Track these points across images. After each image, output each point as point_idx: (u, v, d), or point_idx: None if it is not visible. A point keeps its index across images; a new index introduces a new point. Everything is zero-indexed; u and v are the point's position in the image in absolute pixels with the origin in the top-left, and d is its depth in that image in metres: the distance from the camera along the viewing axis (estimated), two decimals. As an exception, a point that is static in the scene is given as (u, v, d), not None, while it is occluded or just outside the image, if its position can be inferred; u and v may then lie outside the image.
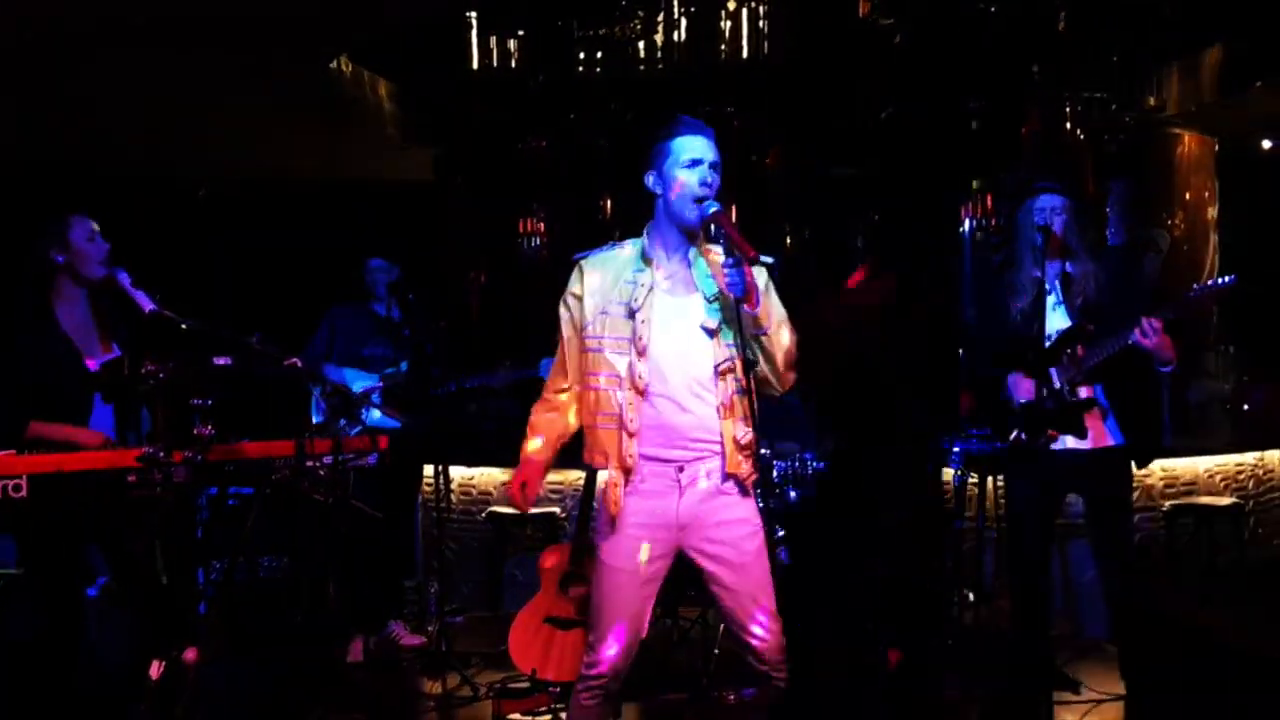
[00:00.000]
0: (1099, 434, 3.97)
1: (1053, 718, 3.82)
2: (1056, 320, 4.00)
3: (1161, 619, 3.29)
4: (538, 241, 7.99)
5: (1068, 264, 4.03)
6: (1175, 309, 3.73)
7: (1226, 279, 3.73)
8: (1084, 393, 3.94)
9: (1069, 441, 3.93)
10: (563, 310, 3.20)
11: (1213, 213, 7.83)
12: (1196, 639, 3.02)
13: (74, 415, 3.75)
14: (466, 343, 7.89)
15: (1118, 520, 4.05)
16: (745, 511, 3.12)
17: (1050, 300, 3.99)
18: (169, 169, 9.80)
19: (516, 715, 4.33)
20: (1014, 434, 4.02)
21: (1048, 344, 3.93)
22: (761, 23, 7.78)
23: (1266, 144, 9.02)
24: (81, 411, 3.77)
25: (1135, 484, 6.23)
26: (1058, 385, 3.93)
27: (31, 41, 6.45)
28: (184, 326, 4.01)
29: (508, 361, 5.12)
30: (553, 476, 6.49)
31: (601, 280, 3.12)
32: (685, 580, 5.13)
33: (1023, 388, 4.03)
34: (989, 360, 4.17)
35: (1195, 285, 3.77)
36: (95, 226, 3.98)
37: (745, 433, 3.08)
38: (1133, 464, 4.09)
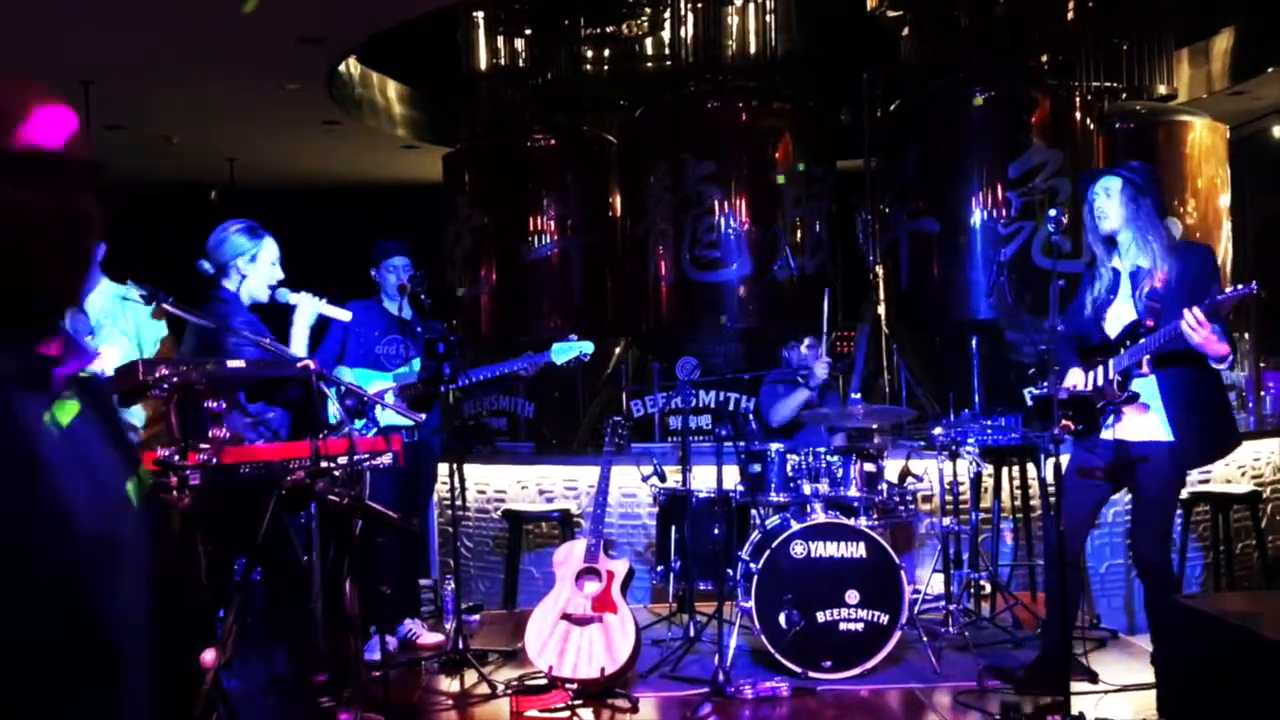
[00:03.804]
0: (1149, 429, 3.96)
1: (1069, 706, 3.82)
2: (1127, 312, 4.00)
3: (1188, 609, 3.29)
4: (547, 239, 7.99)
5: (1143, 256, 3.98)
6: (1206, 310, 3.71)
7: (1246, 287, 3.71)
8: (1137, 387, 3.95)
9: (1118, 431, 3.95)
10: None
11: (1225, 200, 7.80)
12: (1223, 627, 3.01)
13: None
14: (476, 340, 7.90)
15: (1148, 516, 4.03)
16: None
17: (1125, 292, 4.00)
18: (182, 171, 9.85)
19: (534, 712, 4.33)
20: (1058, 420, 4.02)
21: (1114, 336, 3.97)
22: (769, 17, 7.77)
23: (1279, 130, 8.97)
24: None
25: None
26: (1112, 376, 3.93)
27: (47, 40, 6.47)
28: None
29: (529, 352, 5.13)
30: (568, 472, 6.50)
31: None
32: (700, 575, 5.15)
33: (1073, 379, 4.06)
34: (1065, 346, 4.16)
35: (1227, 291, 3.75)
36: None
37: None
38: (1182, 463, 4.02)
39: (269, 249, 4.10)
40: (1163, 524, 4.08)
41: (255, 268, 4.08)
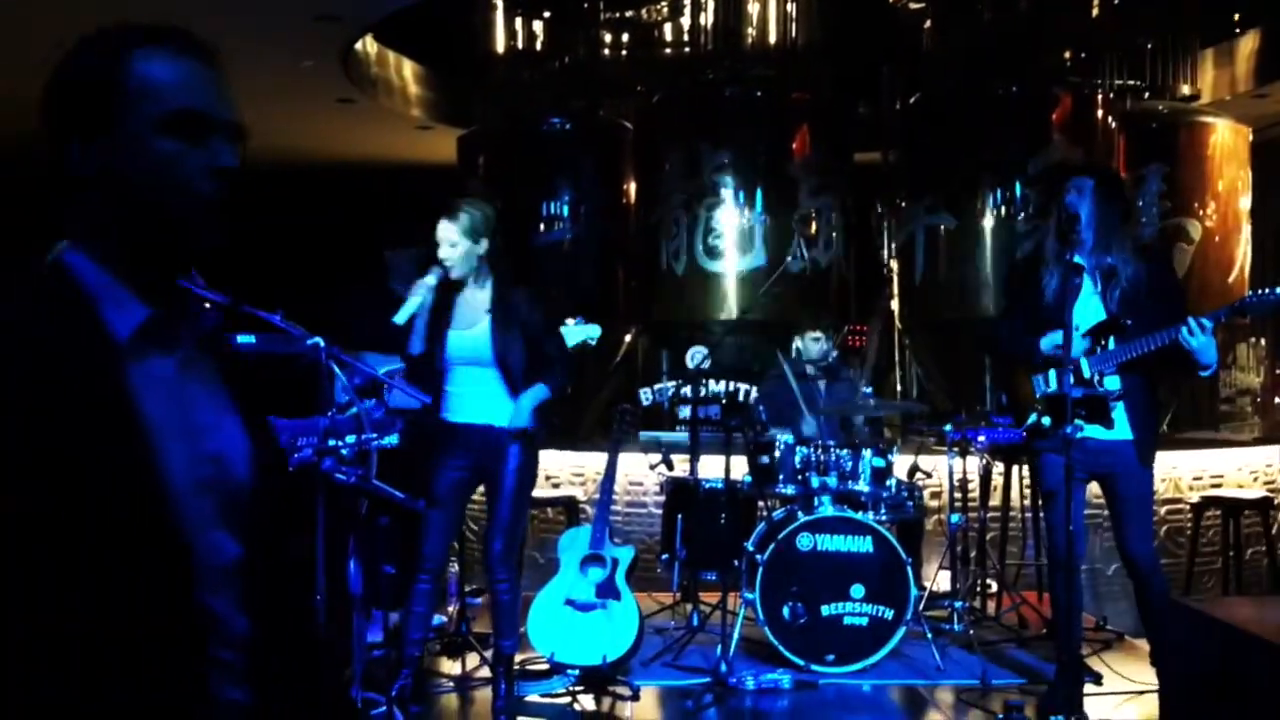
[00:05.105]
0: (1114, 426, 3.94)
1: (1082, 707, 3.79)
2: (1093, 310, 3.95)
3: (1190, 611, 3.25)
4: (561, 225, 7.94)
5: (1110, 256, 3.95)
6: (1230, 312, 3.68)
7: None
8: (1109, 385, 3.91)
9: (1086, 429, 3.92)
10: None
11: (1245, 203, 7.72)
12: (1230, 632, 2.97)
13: None
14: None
15: (1132, 514, 4.01)
16: None
17: (1088, 288, 3.93)
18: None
19: (535, 697, 4.32)
20: (1032, 419, 3.99)
21: (1079, 332, 3.88)
22: (789, 6, 7.70)
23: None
24: None
25: (1163, 476, 6.18)
26: (1087, 375, 3.89)
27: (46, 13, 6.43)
28: (207, 305, 4.00)
29: None
30: (574, 458, 6.47)
31: None
32: (705, 565, 5.13)
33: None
34: (1020, 333, 4.08)
35: (1254, 291, 3.71)
36: None
37: None
38: (1146, 457, 4.02)
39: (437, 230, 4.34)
40: (1148, 518, 4.14)
41: None
